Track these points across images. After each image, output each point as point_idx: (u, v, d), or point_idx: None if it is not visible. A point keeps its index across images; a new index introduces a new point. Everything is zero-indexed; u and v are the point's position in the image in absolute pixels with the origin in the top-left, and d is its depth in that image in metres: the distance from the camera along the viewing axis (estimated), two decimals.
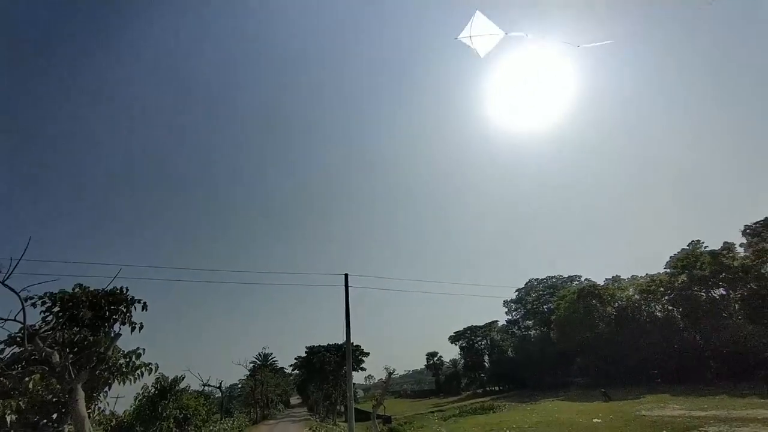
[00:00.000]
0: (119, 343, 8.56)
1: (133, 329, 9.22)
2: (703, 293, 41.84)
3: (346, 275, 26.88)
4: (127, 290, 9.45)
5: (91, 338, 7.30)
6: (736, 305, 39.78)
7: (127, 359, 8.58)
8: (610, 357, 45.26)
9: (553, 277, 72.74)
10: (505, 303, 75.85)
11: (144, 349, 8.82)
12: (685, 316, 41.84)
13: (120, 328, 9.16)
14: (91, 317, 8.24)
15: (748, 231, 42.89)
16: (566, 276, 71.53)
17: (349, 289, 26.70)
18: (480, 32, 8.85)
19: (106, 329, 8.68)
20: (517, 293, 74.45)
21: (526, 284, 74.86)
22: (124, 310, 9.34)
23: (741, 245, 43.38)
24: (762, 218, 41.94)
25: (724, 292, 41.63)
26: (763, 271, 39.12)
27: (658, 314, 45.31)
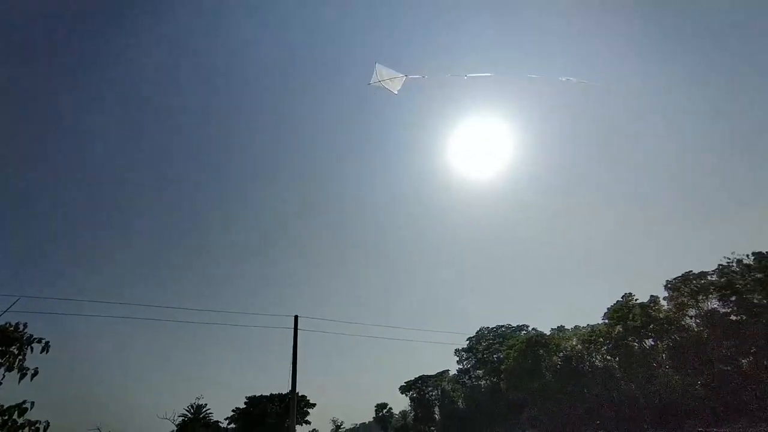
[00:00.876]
0: (0, 394, 6.94)
1: (22, 376, 7.53)
2: (636, 343, 44.68)
3: (296, 317, 25.35)
4: (25, 326, 7.87)
5: None
6: (663, 355, 42.81)
7: (4, 417, 6.85)
8: (558, 408, 45.71)
9: (502, 326, 74.22)
10: (457, 351, 75.36)
11: (32, 403, 7.16)
12: (621, 366, 44.03)
13: (4, 375, 7.44)
14: None
15: (669, 285, 47.58)
16: (515, 325, 73.35)
17: (298, 332, 25.02)
18: (386, 77, 11.90)
19: None
20: (468, 341, 74.50)
21: (477, 333, 75.40)
22: (15, 352, 7.68)
23: (664, 298, 47.81)
24: (680, 274, 46.95)
25: (653, 342, 44.84)
26: (683, 323, 43.04)
27: (599, 364, 47.28)
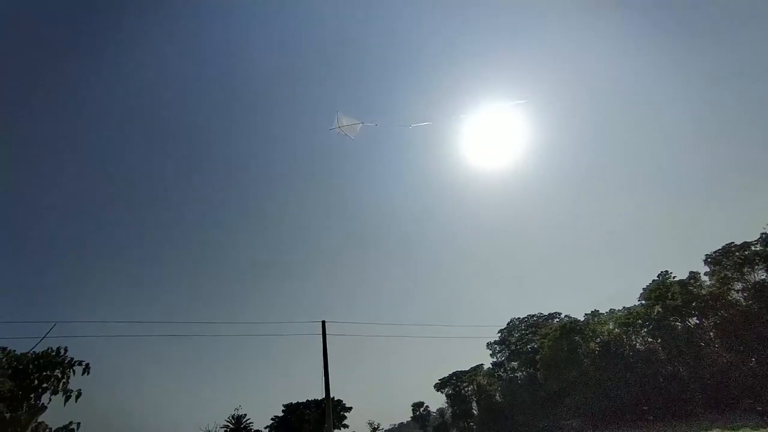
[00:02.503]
0: (49, 416, 7.17)
1: (67, 399, 7.78)
2: (678, 323, 42.51)
3: (323, 322, 25.46)
4: (66, 351, 8.13)
5: (8, 415, 5.96)
6: (711, 333, 40.52)
7: None
8: (600, 395, 44.07)
9: (534, 315, 72.40)
10: (489, 345, 74.09)
11: (78, 424, 7.38)
12: (665, 347, 42.01)
13: (50, 399, 7.71)
14: (11, 388, 6.86)
15: (709, 260, 45.04)
16: (546, 314, 71.42)
17: (327, 337, 25.11)
18: (345, 123, 13.62)
19: (32, 401, 7.25)
20: (499, 334, 73.10)
21: (508, 324, 73.88)
22: (60, 376, 7.94)
23: (705, 274, 45.30)
24: (720, 246, 44.38)
25: (697, 321, 42.53)
26: (730, 298, 40.60)
27: (640, 347, 45.29)
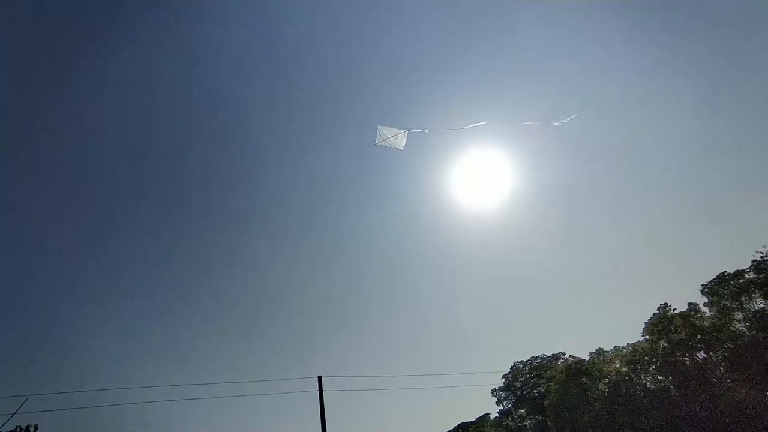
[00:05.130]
0: None
1: None
2: (686, 359, 41.30)
3: (320, 377, 24.04)
4: (36, 429, 7.27)
5: None
6: (721, 368, 39.29)
7: None
8: None
9: (537, 357, 69.98)
10: (494, 392, 70.54)
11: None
12: (677, 385, 40.39)
13: None
14: None
15: (706, 290, 44.94)
16: (550, 354, 69.11)
17: (325, 393, 23.56)
18: (390, 135, 12.72)
19: None
20: (504, 380, 69.98)
21: (511, 368, 70.99)
22: None
23: (704, 304, 44.95)
24: (714, 276, 44.54)
25: (705, 355, 41.40)
26: (733, 328, 39.99)
27: (650, 386, 43.48)
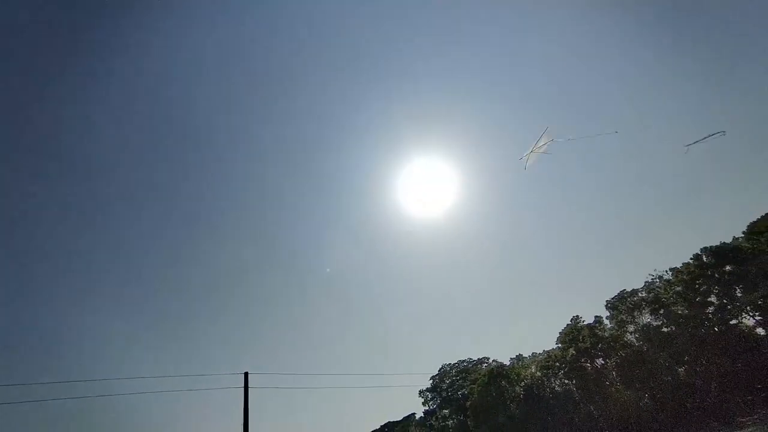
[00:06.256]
0: None
1: None
2: (588, 364, 46.88)
3: (246, 374, 23.22)
4: None
5: None
6: (613, 373, 45.29)
7: None
8: None
9: (464, 360, 73.95)
10: (421, 392, 73.09)
11: None
12: (579, 388, 45.62)
13: None
14: None
15: (609, 305, 51.55)
16: (476, 358, 73.54)
17: (251, 391, 22.78)
18: (542, 142, 14.33)
19: None
20: (431, 381, 72.87)
21: (439, 370, 74.18)
22: None
23: (607, 318, 51.50)
24: (617, 293, 51.25)
25: (602, 362, 47.41)
26: (625, 339, 46.36)
27: (558, 389, 48.55)
